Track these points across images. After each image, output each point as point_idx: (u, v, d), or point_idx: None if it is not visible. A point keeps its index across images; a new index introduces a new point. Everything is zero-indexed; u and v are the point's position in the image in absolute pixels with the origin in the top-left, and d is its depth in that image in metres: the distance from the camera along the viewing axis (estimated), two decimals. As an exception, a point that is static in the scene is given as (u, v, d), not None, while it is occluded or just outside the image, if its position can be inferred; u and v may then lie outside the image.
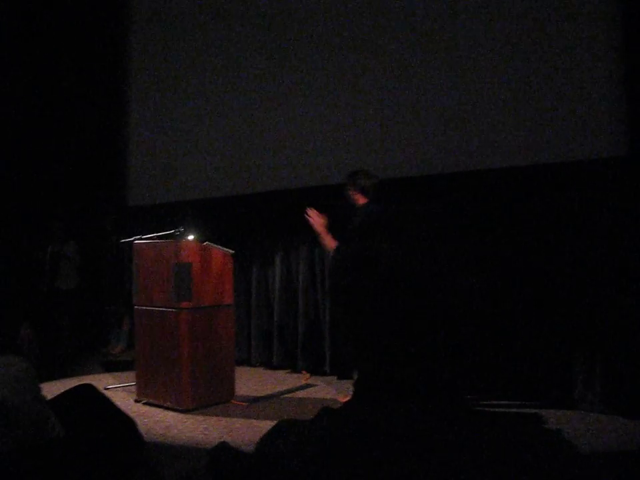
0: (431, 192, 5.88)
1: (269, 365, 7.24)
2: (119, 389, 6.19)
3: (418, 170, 6.11)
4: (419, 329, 0.92)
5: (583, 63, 5.28)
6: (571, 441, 0.95)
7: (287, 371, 7.03)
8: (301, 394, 6.04)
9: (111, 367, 7.40)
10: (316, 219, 5.07)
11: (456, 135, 5.90)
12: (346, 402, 0.95)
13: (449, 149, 5.95)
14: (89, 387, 2.30)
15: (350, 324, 0.95)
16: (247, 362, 7.35)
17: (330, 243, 4.99)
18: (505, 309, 5.52)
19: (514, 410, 5.30)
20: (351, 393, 1.00)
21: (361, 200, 5.09)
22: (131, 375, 6.21)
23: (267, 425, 4.88)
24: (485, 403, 5.51)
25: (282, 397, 5.94)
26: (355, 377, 0.97)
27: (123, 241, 6.47)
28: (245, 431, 4.83)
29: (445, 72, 5.97)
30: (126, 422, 2.06)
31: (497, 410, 5.29)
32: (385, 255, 0.91)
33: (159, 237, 6.05)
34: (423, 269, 0.93)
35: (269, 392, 6.09)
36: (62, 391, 2.35)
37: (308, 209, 5.14)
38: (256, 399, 5.80)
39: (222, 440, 1.34)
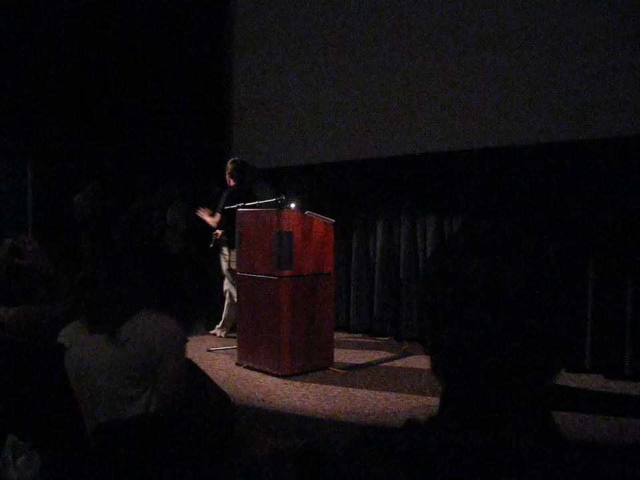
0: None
1: (368, 332, 7.26)
2: (221, 352, 6.40)
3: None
4: (515, 343, 0.88)
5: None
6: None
7: (385, 338, 7.04)
8: (399, 363, 6.03)
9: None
10: (204, 216, 6.98)
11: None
12: (432, 416, 0.93)
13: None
14: (189, 363, 2.38)
15: (439, 336, 0.93)
16: (345, 328, 7.40)
17: (211, 221, 6.89)
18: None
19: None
20: None
21: (232, 182, 6.98)
22: (233, 338, 6.41)
23: (364, 394, 4.95)
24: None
25: (380, 365, 5.96)
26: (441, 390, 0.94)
27: (227, 207, 6.60)
28: (343, 400, 4.89)
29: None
30: (223, 400, 2.12)
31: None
32: (478, 270, 0.88)
33: (260, 205, 6.15)
34: (515, 281, 0.89)
35: (367, 360, 6.13)
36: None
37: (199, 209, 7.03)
38: (354, 367, 5.86)
39: (306, 441, 1.36)
